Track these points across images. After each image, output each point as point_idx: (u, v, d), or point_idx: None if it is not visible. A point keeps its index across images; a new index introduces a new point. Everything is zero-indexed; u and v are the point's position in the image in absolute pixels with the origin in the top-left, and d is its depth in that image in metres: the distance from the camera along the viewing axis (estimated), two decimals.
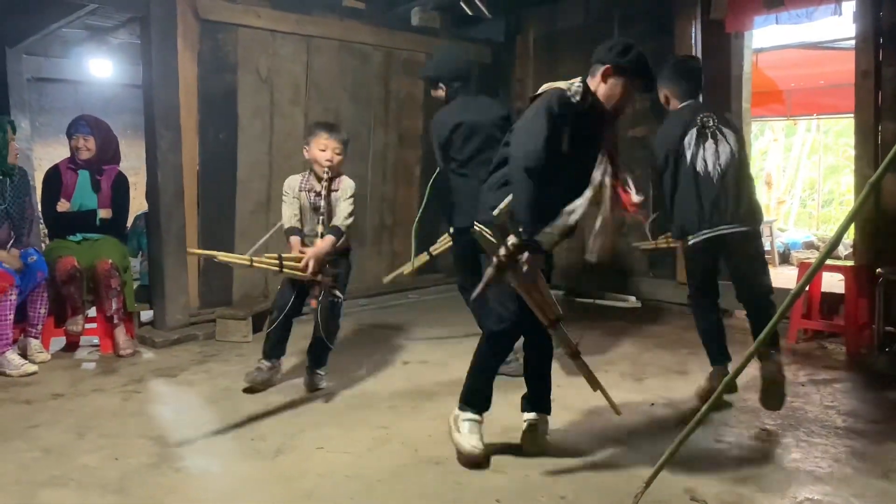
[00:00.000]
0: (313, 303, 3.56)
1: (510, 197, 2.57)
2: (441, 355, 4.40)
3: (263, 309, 5.07)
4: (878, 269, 4.22)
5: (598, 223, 2.73)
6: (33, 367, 4.03)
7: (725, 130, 3.46)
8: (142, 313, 4.98)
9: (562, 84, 2.71)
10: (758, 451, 2.93)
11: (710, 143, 3.42)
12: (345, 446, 2.99)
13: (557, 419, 3.20)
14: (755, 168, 11.32)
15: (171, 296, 4.83)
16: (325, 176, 3.61)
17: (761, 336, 2.14)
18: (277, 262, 3.48)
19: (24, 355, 4.13)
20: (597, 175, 2.69)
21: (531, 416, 2.97)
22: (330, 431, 3.15)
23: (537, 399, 2.99)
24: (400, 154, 6.19)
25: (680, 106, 3.56)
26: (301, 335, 4.92)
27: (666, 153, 3.46)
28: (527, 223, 2.51)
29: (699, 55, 5.30)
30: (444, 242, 4.51)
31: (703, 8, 5.25)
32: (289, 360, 3.90)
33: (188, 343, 4.73)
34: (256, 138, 5.25)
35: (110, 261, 4.35)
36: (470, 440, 2.79)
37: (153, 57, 4.70)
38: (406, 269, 4.72)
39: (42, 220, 4.93)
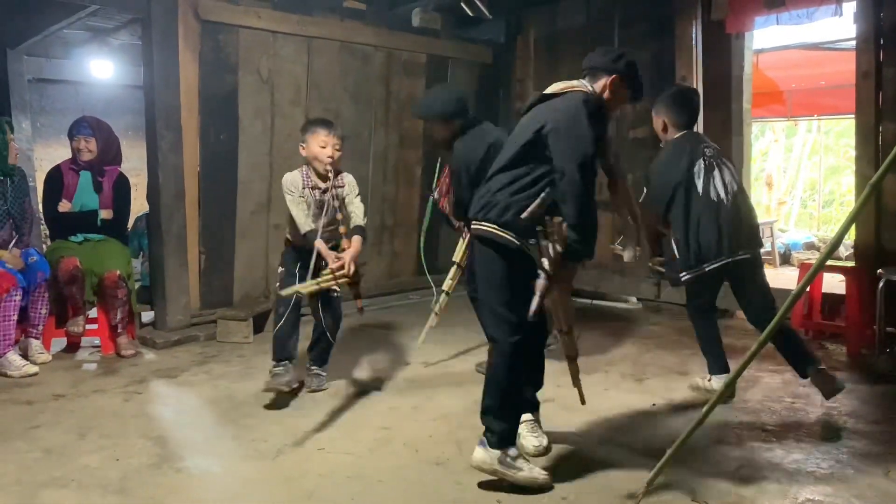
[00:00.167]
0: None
1: (540, 199, 2.52)
2: (442, 356, 4.40)
3: (264, 310, 5.09)
4: (879, 270, 4.22)
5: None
6: (34, 368, 4.03)
7: (724, 159, 3.59)
8: (143, 314, 4.98)
9: (575, 84, 2.70)
10: (759, 452, 2.92)
11: (717, 173, 3.51)
12: (346, 447, 2.99)
13: (558, 420, 3.20)
14: (756, 169, 11.35)
15: (172, 297, 4.84)
16: (329, 173, 3.61)
17: (762, 337, 2.14)
18: (332, 275, 3.46)
19: (25, 356, 4.13)
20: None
21: (529, 416, 2.93)
22: (331, 432, 3.16)
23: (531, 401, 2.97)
24: (401, 154, 6.19)
25: (677, 136, 3.59)
26: (303, 336, 4.93)
27: (675, 185, 3.47)
28: (584, 230, 2.51)
29: (699, 56, 5.30)
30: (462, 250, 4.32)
31: (703, 8, 5.25)
32: None
33: (189, 344, 4.73)
34: (257, 139, 5.25)
35: (118, 272, 4.36)
36: (533, 472, 2.58)
37: (154, 58, 4.71)
38: (434, 319, 4.30)
39: (43, 221, 4.94)
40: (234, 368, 4.18)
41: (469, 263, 4.05)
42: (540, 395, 3.01)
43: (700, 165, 3.48)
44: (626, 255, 2.99)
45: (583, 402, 2.86)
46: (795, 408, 3.44)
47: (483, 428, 2.63)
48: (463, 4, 5.63)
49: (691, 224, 3.45)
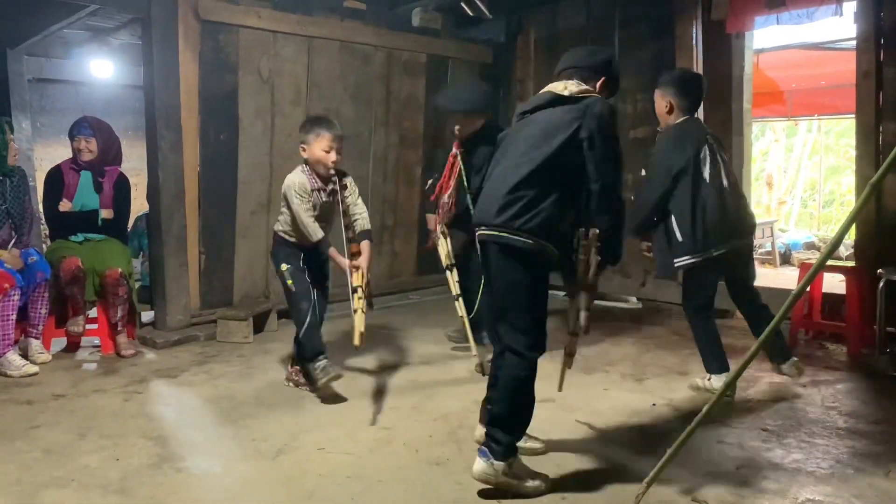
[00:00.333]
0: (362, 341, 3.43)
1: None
2: (442, 356, 4.40)
3: (264, 310, 5.09)
4: (879, 270, 4.22)
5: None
6: (34, 368, 4.03)
7: (722, 146, 3.64)
8: (143, 314, 4.98)
9: (583, 86, 2.68)
10: (759, 452, 2.92)
11: (719, 159, 3.53)
12: (346, 447, 2.99)
13: (558, 420, 3.21)
14: (756, 169, 11.36)
15: (172, 296, 4.84)
16: (332, 175, 3.62)
17: (762, 336, 2.14)
18: (365, 288, 3.50)
19: (25, 356, 4.14)
20: None
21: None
22: (331, 432, 3.16)
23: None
24: (401, 154, 6.19)
25: (681, 119, 3.57)
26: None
27: (680, 170, 3.44)
28: (622, 238, 2.62)
29: (700, 56, 5.30)
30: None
31: (703, 8, 5.24)
32: (287, 361, 3.89)
33: (189, 344, 4.73)
34: (257, 139, 5.25)
35: (120, 269, 4.36)
36: (536, 481, 2.57)
37: (154, 58, 4.71)
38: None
39: (43, 220, 4.94)
40: (234, 368, 4.18)
41: (463, 266, 4.04)
42: (540, 395, 3.00)
43: (706, 151, 3.48)
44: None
45: (560, 388, 2.86)
46: (795, 408, 3.44)
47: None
48: (463, 4, 5.63)
49: (697, 209, 3.43)
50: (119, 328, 4.44)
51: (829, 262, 4.64)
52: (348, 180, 3.72)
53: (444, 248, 4.09)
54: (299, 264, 3.67)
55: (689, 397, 3.59)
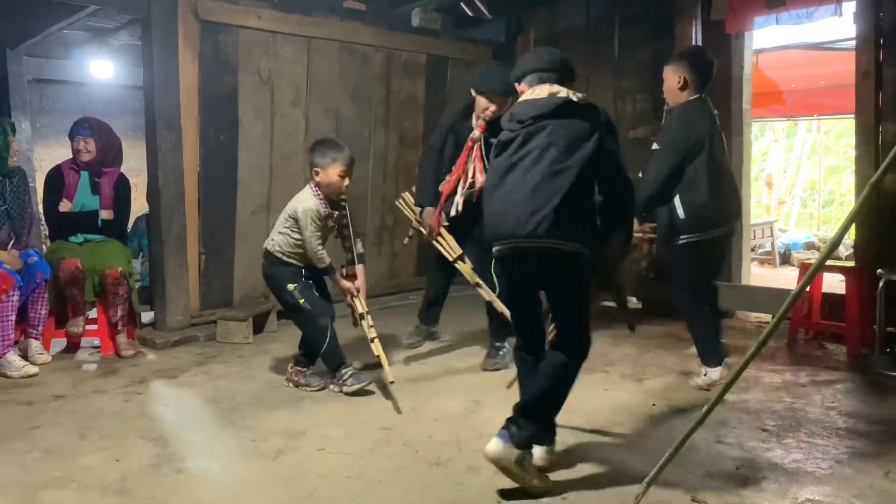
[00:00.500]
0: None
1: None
2: (443, 356, 4.40)
3: (264, 310, 5.09)
4: (879, 270, 4.22)
5: None
6: (34, 369, 4.03)
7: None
8: (142, 314, 4.98)
9: (580, 95, 2.72)
10: (759, 452, 2.92)
11: (723, 139, 3.58)
12: (346, 447, 2.99)
13: (558, 420, 3.19)
14: (756, 169, 11.37)
15: (172, 297, 4.84)
16: (343, 201, 3.69)
17: (763, 336, 2.14)
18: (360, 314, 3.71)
19: (24, 356, 4.14)
20: None
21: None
22: (331, 432, 3.16)
23: None
24: (401, 154, 6.19)
25: (694, 97, 3.55)
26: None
27: (694, 145, 3.44)
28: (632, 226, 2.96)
29: (693, 45, 5.28)
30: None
31: (703, 8, 5.25)
32: (288, 361, 3.89)
33: (189, 344, 4.73)
34: (257, 139, 5.26)
35: (120, 268, 4.36)
36: (543, 482, 2.59)
37: (154, 58, 4.71)
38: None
39: (43, 221, 4.94)
40: (234, 369, 4.18)
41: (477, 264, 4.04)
42: None
43: (714, 129, 3.51)
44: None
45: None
46: (795, 408, 3.44)
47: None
48: (463, 5, 5.63)
49: (703, 188, 3.43)
50: (119, 328, 4.44)
51: (829, 262, 4.64)
52: (346, 202, 3.77)
53: (446, 241, 4.09)
54: (305, 281, 3.69)
55: (689, 398, 3.59)
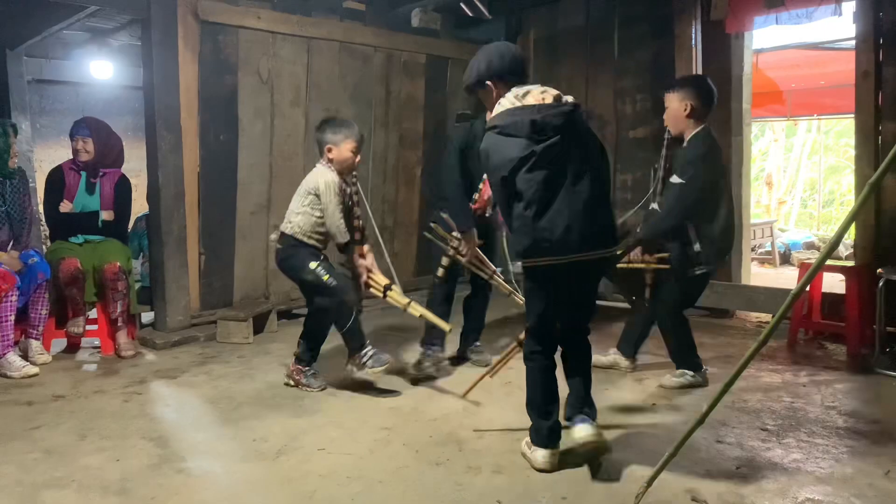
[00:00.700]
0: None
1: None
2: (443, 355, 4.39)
3: (264, 310, 5.09)
4: (879, 270, 4.22)
5: None
6: (34, 369, 4.03)
7: None
8: (143, 315, 4.98)
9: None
10: (759, 451, 2.92)
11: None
12: (346, 447, 2.99)
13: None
14: (756, 169, 11.38)
15: (172, 297, 4.84)
16: (354, 178, 3.66)
17: (763, 336, 2.14)
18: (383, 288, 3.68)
19: (25, 357, 4.14)
20: None
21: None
22: (331, 433, 3.16)
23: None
24: (401, 155, 6.20)
25: (705, 127, 3.58)
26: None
27: (719, 177, 3.61)
28: None
29: (699, 56, 5.30)
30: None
31: (703, 8, 5.25)
32: (288, 361, 3.89)
33: (189, 344, 4.73)
34: (257, 140, 5.26)
35: (118, 264, 4.36)
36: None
37: (154, 59, 4.71)
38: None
39: (43, 221, 4.94)
40: (234, 369, 4.18)
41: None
42: None
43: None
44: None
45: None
46: (795, 407, 3.44)
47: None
48: (462, 5, 5.63)
49: (721, 216, 3.56)
50: (119, 324, 4.43)
51: (829, 262, 4.64)
52: (356, 179, 3.74)
53: (481, 262, 3.91)
54: (326, 261, 3.65)
55: (689, 397, 3.59)
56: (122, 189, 4.64)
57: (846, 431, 3.14)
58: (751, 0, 4.94)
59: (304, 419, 3.33)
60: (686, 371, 3.74)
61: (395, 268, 5.88)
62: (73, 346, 4.59)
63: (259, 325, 5.02)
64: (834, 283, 4.92)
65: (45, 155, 7.30)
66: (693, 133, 3.57)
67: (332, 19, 5.59)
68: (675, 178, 3.54)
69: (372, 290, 3.72)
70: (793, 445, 2.98)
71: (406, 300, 3.66)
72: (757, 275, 6.71)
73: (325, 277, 3.54)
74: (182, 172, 4.86)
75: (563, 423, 2.85)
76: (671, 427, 3.16)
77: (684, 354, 3.77)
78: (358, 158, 3.67)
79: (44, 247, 5.46)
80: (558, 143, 2.66)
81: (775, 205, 11.69)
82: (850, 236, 5.63)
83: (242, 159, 5.19)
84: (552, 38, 6.32)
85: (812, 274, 2.16)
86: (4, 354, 4.00)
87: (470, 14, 5.75)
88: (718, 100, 3.72)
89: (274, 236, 3.75)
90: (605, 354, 4.03)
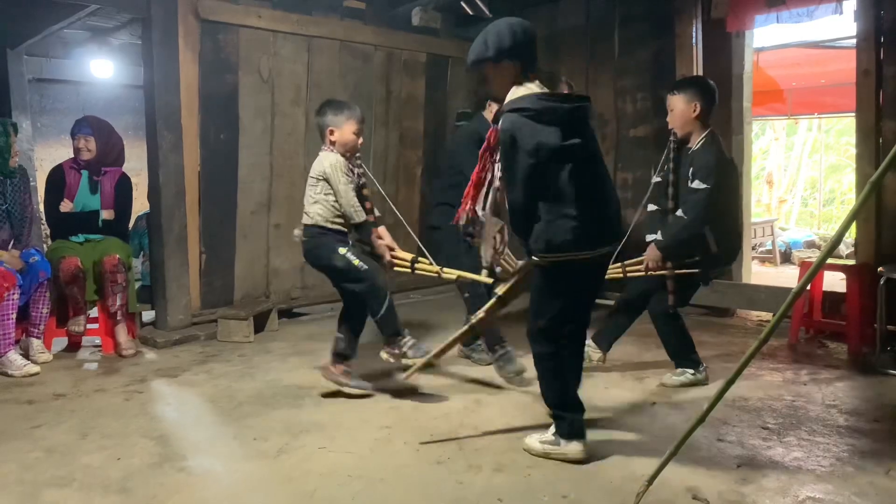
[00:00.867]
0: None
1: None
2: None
3: (265, 309, 5.09)
4: (880, 268, 4.22)
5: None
6: (35, 368, 4.04)
7: None
8: (143, 314, 4.98)
9: None
10: (760, 450, 2.92)
11: None
12: (347, 446, 2.99)
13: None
14: (756, 167, 11.37)
15: (173, 296, 4.84)
16: (358, 159, 3.62)
17: (764, 334, 2.14)
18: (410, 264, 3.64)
19: (26, 355, 4.14)
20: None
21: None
22: (332, 431, 3.16)
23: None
24: (401, 154, 6.19)
25: (712, 131, 3.58)
26: (304, 335, 4.94)
27: (735, 178, 3.69)
28: None
29: (700, 54, 5.30)
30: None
31: (703, 7, 5.25)
32: (289, 360, 3.90)
33: (190, 343, 4.73)
34: (258, 139, 5.26)
35: (118, 256, 4.37)
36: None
37: (154, 58, 4.71)
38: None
39: (44, 220, 4.94)
40: (234, 368, 4.18)
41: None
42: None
43: None
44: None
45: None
46: (796, 406, 3.44)
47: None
48: (463, 3, 5.63)
49: (733, 218, 3.63)
50: (118, 318, 4.43)
51: (830, 261, 4.64)
52: (361, 159, 3.69)
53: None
54: (353, 246, 3.55)
55: (689, 396, 3.59)
56: (123, 187, 4.64)
57: (847, 430, 3.14)
58: None
59: (304, 418, 3.33)
60: (686, 369, 3.74)
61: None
62: (73, 345, 4.60)
63: (260, 324, 5.02)
64: (835, 281, 4.92)
65: (45, 154, 7.30)
66: (702, 136, 3.56)
67: (332, 18, 5.59)
68: (698, 184, 3.46)
69: (398, 267, 3.65)
70: (794, 444, 2.98)
71: (436, 267, 3.56)
72: (758, 273, 6.72)
73: (356, 262, 3.45)
74: (183, 171, 4.86)
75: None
76: (672, 426, 3.17)
77: (683, 352, 3.76)
78: (361, 140, 3.61)
79: (44, 246, 5.46)
80: (590, 136, 2.68)
81: (776, 203, 11.69)
82: (850, 235, 5.63)
83: (243, 158, 5.19)
84: (552, 38, 6.30)
85: (813, 273, 2.16)
86: (5, 353, 4.00)
87: (470, 13, 5.74)
88: (719, 99, 3.72)
89: (298, 232, 3.63)
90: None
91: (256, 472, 2.77)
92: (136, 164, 6.39)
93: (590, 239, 2.66)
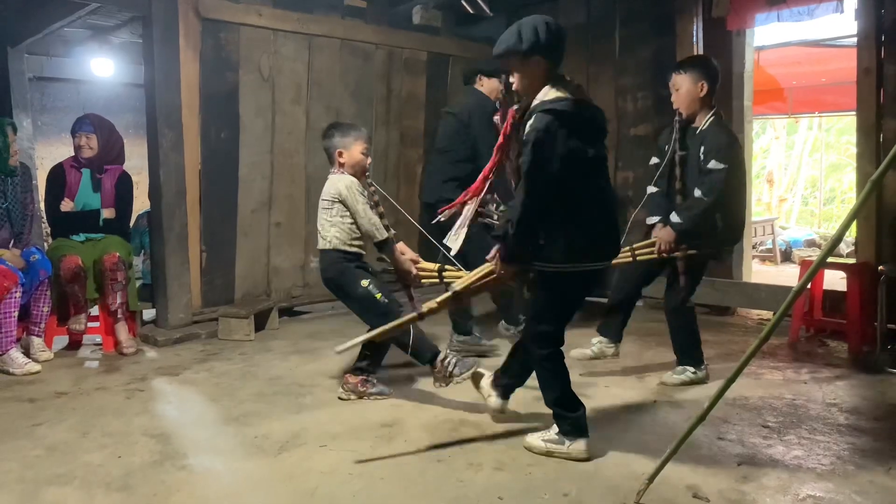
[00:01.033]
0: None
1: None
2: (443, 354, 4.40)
3: (266, 307, 5.10)
4: (880, 267, 4.23)
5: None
6: (36, 366, 4.04)
7: None
8: (144, 312, 4.99)
9: None
10: (760, 449, 2.93)
11: None
12: (348, 444, 2.99)
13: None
14: (757, 166, 11.37)
15: (174, 294, 4.85)
16: (369, 179, 3.63)
17: (764, 333, 2.14)
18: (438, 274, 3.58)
19: (27, 354, 4.14)
20: None
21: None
22: (333, 429, 3.16)
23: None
24: (402, 153, 6.19)
25: (714, 109, 3.58)
26: (304, 333, 4.94)
27: (743, 156, 3.69)
28: None
29: (700, 53, 5.30)
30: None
31: (704, 6, 5.25)
32: (289, 358, 3.90)
33: (190, 342, 4.74)
34: (258, 137, 5.26)
35: (118, 254, 4.37)
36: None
37: (155, 56, 4.71)
38: None
39: (45, 219, 4.95)
40: (235, 366, 4.19)
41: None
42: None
43: None
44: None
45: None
46: (796, 404, 3.44)
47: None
48: (463, 2, 5.63)
49: (741, 198, 3.65)
50: (119, 316, 4.43)
51: (830, 259, 4.64)
52: (370, 178, 3.71)
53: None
54: (373, 276, 3.55)
55: (690, 394, 3.60)
56: (124, 185, 4.65)
57: (847, 428, 3.14)
58: None
59: (305, 416, 3.34)
60: (687, 367, 3.73)
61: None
62: (74, 343, 4.60)
63: (260, 323, 5.03)
64: (835, 280, 4.92)
65: (46, 152, 7.31)
66: (709, 115, 3.57)
67: (333, 17, 5.59)
68: (714, 164, 3.45)
69: (426, 279, 3.63)
70: (794, 442, 2.99)
71: (464, 272, 3.44)
72: (758, 272, 6.71)
73: (378, 296, 3.45)
74: (183, 170, 4.86)
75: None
76: (672, 424, 3.17)
77: (689, 349, 3.74)
78: (369, 159, 3.63)
79: (45, 244, 5.46)
80: (603, 146, 2.72)
81: (776, 202, 11.69)
82: (851, 234, 5.63)
83: (244, 157, 5.20)
84: None
85: (813, 271, 2.17)
86: (7, 351, 4.01)
87: (471, 11, 5.74)
88: (720, 97, 3.73)
89: (316, 260, 3.67)
90: (587, 348, 3.89)
91: (257, 471, 2.77)
92: (136, 163, 6.39)
93: (595, 250, 2.71)
